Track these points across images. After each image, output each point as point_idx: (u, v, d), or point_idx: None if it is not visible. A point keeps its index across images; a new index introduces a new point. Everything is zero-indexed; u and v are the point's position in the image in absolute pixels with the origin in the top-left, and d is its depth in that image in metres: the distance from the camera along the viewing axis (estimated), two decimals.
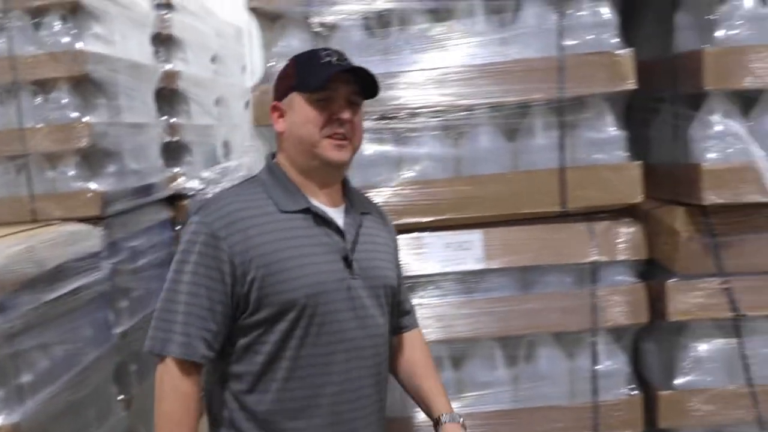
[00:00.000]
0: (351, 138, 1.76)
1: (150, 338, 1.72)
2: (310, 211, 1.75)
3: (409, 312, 2.05)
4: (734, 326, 2.54)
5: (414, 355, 1.99)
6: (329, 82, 1.72)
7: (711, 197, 2.42)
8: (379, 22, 2.51)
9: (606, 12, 2.49)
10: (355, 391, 1.76)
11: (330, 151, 1.74)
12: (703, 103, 2.48)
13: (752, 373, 2.53)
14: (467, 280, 2.46)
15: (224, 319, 1.70)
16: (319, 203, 1.78)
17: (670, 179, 2.64)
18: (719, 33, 2.43)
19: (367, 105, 1.93)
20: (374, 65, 1.93)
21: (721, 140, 2.44)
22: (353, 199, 1.87)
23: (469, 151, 2.47)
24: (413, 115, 2.44)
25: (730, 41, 2.41)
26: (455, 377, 2.49)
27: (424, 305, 2.41)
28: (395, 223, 2.14)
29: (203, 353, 1.69)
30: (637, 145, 2.62)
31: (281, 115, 1.79)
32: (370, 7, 2.46)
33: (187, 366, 1.69)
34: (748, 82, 2.40)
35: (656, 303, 2.53)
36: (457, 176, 2.46)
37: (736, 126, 2.43)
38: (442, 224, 2.45)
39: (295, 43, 2.47)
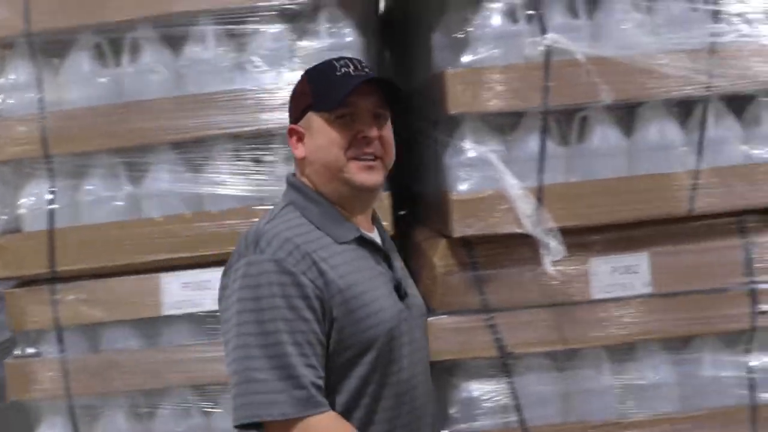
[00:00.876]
0: (382, 156, 1.58)
1: (245, 406, 1.43)
2: (362, 240, 1.59)
3: None
4: (503, 365, 2.37)
5: None
6: (349, 97, 1.53)
7: (461, 228, 2.26)
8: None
9: (349, 35, 2.34)
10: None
11: (359, 174, 1.55)
12: (457, 129, 2.32)
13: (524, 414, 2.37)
14: None
15: (321, 349, 1.50)
16: (363, 230, 1.62)
17: (434, 209, 2.48)
18: (466, 53, 2.27)
19: None
20: None
21: (473, 168, 2.29)
22: (378, 223, 1.72)
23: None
24: None
25: (476, 62, 2.26)
26: None
27: None
28: None
29: (320, 401, 1.46)
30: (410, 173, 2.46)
31: (300, 139, 1.60)
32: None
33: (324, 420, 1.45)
34: (493, 105, 2.23)
35: None
36: None
37: (488, 152, 2.26)
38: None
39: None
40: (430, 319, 2.32)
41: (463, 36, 2.30)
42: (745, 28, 2.35)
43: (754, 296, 2.40)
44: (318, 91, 1.56)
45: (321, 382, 1.46)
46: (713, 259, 2.41)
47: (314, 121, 1.56)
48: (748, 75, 2.34)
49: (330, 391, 1.50)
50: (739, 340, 2.44)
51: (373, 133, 1.55)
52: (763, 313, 2.41)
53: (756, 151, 2.39)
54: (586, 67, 2.23)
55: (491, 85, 2.23)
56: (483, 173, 2.28)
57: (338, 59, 1.60)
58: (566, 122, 2.32)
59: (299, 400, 1.41)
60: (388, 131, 1.60)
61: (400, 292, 1.60)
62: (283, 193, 1.64)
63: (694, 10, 2.34)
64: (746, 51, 2.34)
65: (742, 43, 2.34)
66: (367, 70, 1.58)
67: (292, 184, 1.62)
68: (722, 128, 2.38)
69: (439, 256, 2.36)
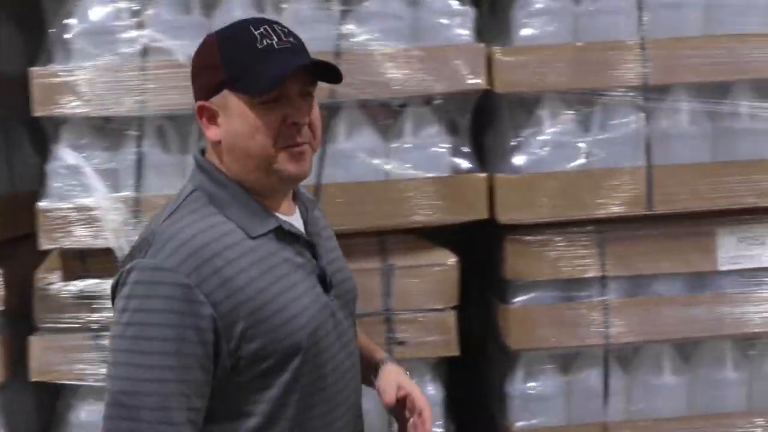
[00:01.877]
0: (311, 141, 1.39)
1: None
2: (281, 231, 1.39)
3: None
4: None
5: None
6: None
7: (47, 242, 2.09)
8: None
9: None
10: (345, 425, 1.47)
11: (289, 164, 1.35)
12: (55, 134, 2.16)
13: None
14: None
15: (207, 390, 1.31)
16: (281, 215, 1.41)
17: None
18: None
19: None
20: None
21: (67, 176, 2.12)
22: (302, 197, 1.51)
23: None
24: None
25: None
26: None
27: None
28: None
29: None
30: None
31: (212, 119, 1.37)
32: None
33: None
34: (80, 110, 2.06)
35: None
36: None
37: (79, 158, 2.09)
38: None
39: None
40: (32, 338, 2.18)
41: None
42: (376, 32, 2.16)
43: (390, 324, 2.21)
44: (236, 67, 1.32)
45: (192, 415, 1.28)
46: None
47: (232, 101, 1.34)
48: (379, 82, 2.15)
49: (245, 401, 1.33)
50: None
51: (305, 119, 1.36)
52: (401, 343, 2.22)
53: (389, 167, 2.20)
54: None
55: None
56: (78, 182, 2.12)
57: (255, 23, 1.36)
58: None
59: None
60: (316, 112, 1.40)
61: (326, 284, 1.42)
62: (189, 175, 1.43)
63: (323, 9, 2.16)
64: (377, 56, 2.14)
65: (372, 47, 2.15)
66: (291, 39, 1.36)
67: (201, 166, 1.40)
68: (351, 140, 2.20)
69: (45, 269, 2.19)
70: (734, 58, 2.22)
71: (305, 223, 1.45)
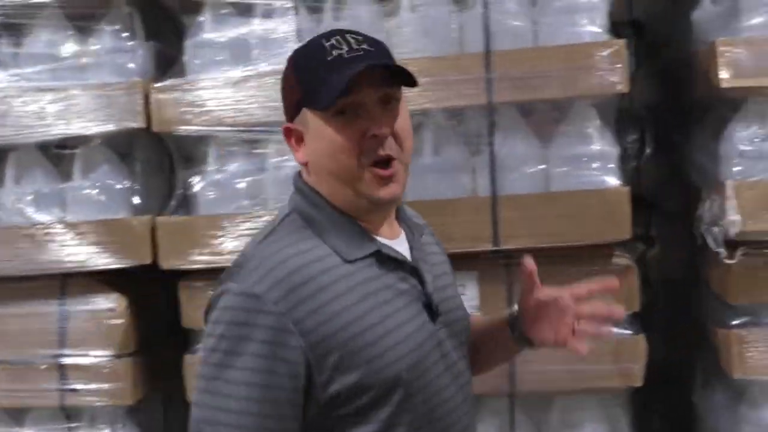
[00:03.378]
0: (398, 156, 1.28)
1: None
2: (380, 253, 1.30)
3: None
4: None
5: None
6: (348, 89, 1.23)
7: None
8: None
9: None
10: None
11: (376, 188, 1.27)
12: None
13: None
14: None
15: (296, 425, 1.23)
16: (382, 238, 1.33)
17: None
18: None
19: None
20: None
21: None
22: (409, 222, 1.42)
23: None
24: None
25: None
26: None
27: None
28: None
29: None
30: None
31: (299, 140, 1.31)
32: None
33: None
34: None
35: None
36: None
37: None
38: None
39: None
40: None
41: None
42: None
43: (63, 370, 2.16)
44: (307, 83, 1.27)
45: None
46: (30, 326, 2.18)
47: (310, 119, 1.28)
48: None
49: None
50: None
51: (385, 129, 1.25)
52: (73, 390, 2.17)
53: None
54: None
55: None
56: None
57: (329, 35, 1.29)
58: None
59: None
60: (402, 119, 1.29)
61: (432, 311, 1.33)
62: (289, 198, 1.37)
63: None
64: None
65: None
66: (365, 46, 1.26)
67: (297, 188, 1.35)
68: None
69: None
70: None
71: (411, 248, 1.37)
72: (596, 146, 2.03)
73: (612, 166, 2.02)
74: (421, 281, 1.33)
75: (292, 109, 1.31)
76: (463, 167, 2.06)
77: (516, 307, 1.44)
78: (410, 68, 1.26)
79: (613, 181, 2.00)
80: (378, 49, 1.27)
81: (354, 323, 1.22)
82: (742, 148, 1.97)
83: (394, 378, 1.24)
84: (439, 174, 2.05)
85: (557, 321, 1.36)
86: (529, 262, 1.35)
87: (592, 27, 2.02)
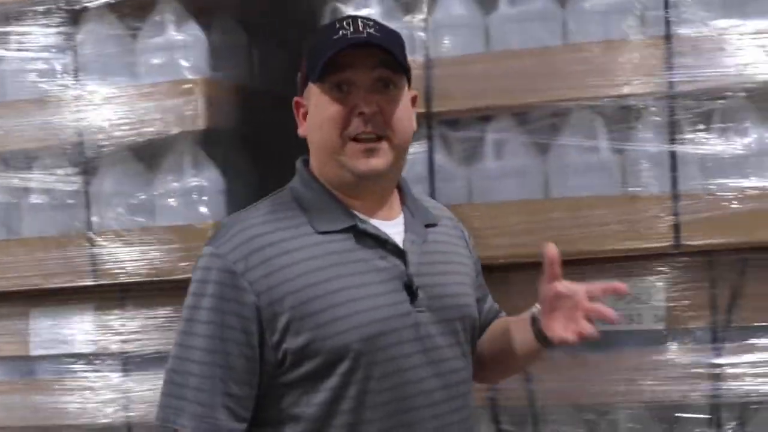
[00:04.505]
0: (389, 136, 1.32)
1: (160, 407, 1.32)
2: (356, 229, 1.33)
3: (498, 311, 1.63)
4: None
5: (492, 330, 1.57)
6: (342, 63, 1.29)
7: None
8: None
9: None
10: None
11: (356, 159, 1.31)
12: None
13: None
14: None
15: (251, 379, 1.29)
16: (368, 218, 1.36)
17: None
18: None
19: None
20: None
21: None
22: (414, 208, 1.44)
23: None
24: None
25: None
26: None
27: None
28: None
29: (226, 425, 1.28)
30: None
31: (305, 114, 1.38)
32: None
33: None
34: None
35: None
36: None
37: None
38: None
39: None
40: None
41: None
42: None
43: None
44: (310, 57, 1.34)
45: (227, 400, 1.28)
46: None
47: (312, 93, 1.34)
48: None
49: (295, 403, 1.30)
50: None
51: (369, 108, 1.29)
52: None
53: None
54: None
55: None
56: None
57: (344, 18, 1.35)
58: None
59: (193, 416, 1.28)
60: (395, 103, 1.33)
61: (412, 291, 1.33)
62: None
63: None
64: None
65: None
66: (371, 30, 1.30)
67: (297, 169, 1.42)
68: None
69: None
70: None
71: (405, 230, 1.38)
72: None
73: None
74: (405, 262, 1.33)
75: (301, 84, 1.38)
76: None
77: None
78: None
79: None
80: (384, 35, 1.31)
81: (309, 288, 1.27)
82: None
83: (342, 347, 1.26)
84: None
85: (569, 316, 1.34)
86: (552, 249, 1.33)
87: None
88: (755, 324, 1.89)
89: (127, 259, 2.05)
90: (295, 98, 1.39)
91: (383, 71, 1.31)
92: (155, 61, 2.05)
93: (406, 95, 1.36)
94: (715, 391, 1.92)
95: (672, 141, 1.87)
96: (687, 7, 1.87)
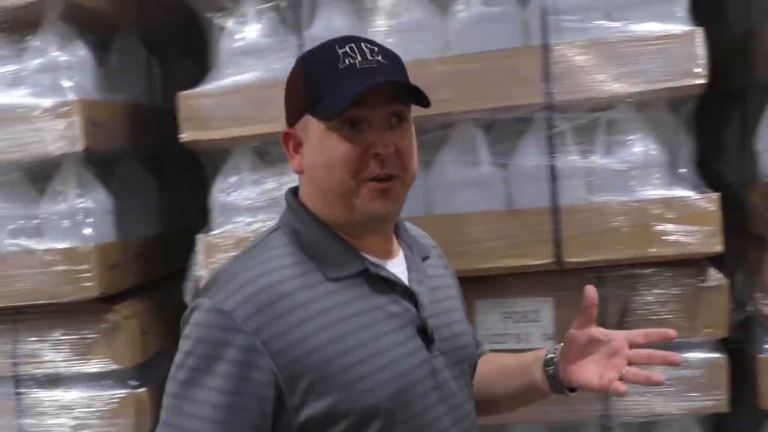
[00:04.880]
0: (401, 175, 1.20)
1: None
2: (368, 273, 1.22)
3: (479, 342, 1.52)
4: None
5: (484, 367, 1.46)
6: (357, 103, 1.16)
7: None
8: None
9: None
10: None
11: (371, 203, 1.19)
12: None
13: None
14: None
15: None
16: (374, 258, 1.24)
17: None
18: None
19: None
20: None
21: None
22: (410, 243, 1.33)
23: None
24: None
25: None
26: None
27: None
28: None
29: None
30: None
31: (297, 148, 1.24)
32: None
33: None
34: None
35: None
36: None
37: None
38: None
39: None
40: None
41: None
42: None
43: None
44: (315, 89, 1.19)
45: None
46: None
47: (312, 127, 1.20)
48: None
49: None
50: None
51: (389, 148, 1.17)
52: None
53: None
54: None
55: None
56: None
57: (343, 41, 1.20)
58: None
59: None
60: (407, 140, 1.22)
61: (427, 337, 1.23)
62: (281, 214, 1.31)
63: None
64: None
65: None
66: (379, 58, 1.19)
67: (289, 204, 1.28)
68: None
69: None
70: None
71: (408, 269, 1.28)
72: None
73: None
74: (416, 304, 1.23)
75: (294, 113, 1.23)
76: None
77: (554, 347, 1.33)
78: None
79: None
80: (392, 62, 1.20)
81: (328, 345, 1.13)
82: None
83: (373, 407, 1.14)
84: None
85: (605, 363, 1.26)
86: (592, 292, 1.24)
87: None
88: None
89: (13, 282, 2.03)
90: (285, 129, 1.24)
91: (398, 106, 1.18)
92: (39, 81, 2.03)
93: (412, 124, 1.23)
94: (606, 411, 1.87)
95: (552, 155, 1.81)
96: (566, 16, 1.81)
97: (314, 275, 1.18)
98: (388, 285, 1.22)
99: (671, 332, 1.25)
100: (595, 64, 1.78)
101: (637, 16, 1.80)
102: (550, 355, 1.32)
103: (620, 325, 1.83)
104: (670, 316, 1.82)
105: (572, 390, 1.30)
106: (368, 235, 1.24)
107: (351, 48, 1.18)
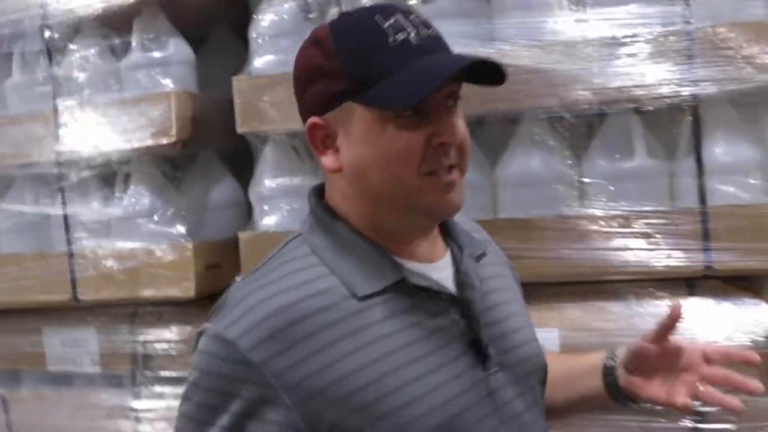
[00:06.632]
0: (460, 163, 1.04)
1: None
2: (405, 283, 1.03)
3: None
4: None
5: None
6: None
7: None
8: None
9: None
10: None
11: (442, 198, 1.02)
12: None
13: None
14: None
15: None
16: (415, 263, 1.06)
17: None
18: None
19: None
20: None
21: None
22: (460, 240, 1.14)
23: None
24: None
25: None
26: None
27: None
28: None
29: None
30: None
31: (329, 141, 1.04)
32: None
33: None
34: None
35: None
36: None
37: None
38: None
39: None
40: None
41: None
42: None
43: None
44: (365, 71, 0.99)
45: None
46: None
47: (358, 117, 1.01)
48: None
49: None
50: None
51: (456, 137, 1.02)
52: None
53: None
54: None
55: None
56: None
57: (382, 11, 1.02)
58: None
59: None
60: (462, 122, 1.05)
61: (481, 351, 1.06)
62: (303, 219, 1.12)
63: None
64: None
65: None
66: (430, 31, 1.02)
67: (313, 208, 1.10)
68: None
69: None
70: None
71: (457, 271, 1.10)
72: None
73: None
74: (466, 315, 1.06)
75: (326, 101, 1.02)
76: None
77: (612, 353, 1.22)
78: None
79: None
80: (438, 33, 1.03)
81: (355, 374, 0.96)
82: None
83: None
84: None
85: (676, 377, 1.14)
86: (678, 306, 1.13)
87: None
88: (162, 374, 2.06)
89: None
90: (313, 119, 1.03)
91: (455, 86, 1.02)
92: (138, 76, 2.07)
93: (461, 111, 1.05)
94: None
95: (64, 204, 2.08)
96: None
97: (338, 291, 1.00)
98: (430, 295, 1.04)
99: (755, 357, 1.13)
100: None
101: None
102: (609, 363, 1.20)
103: (145, 359, 2.07)
104: None
105: (633, 401, 1.20)
106: (414, 239, 1.07)
107: (397, 20, 1.00)
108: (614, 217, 1.63)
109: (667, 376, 1.15)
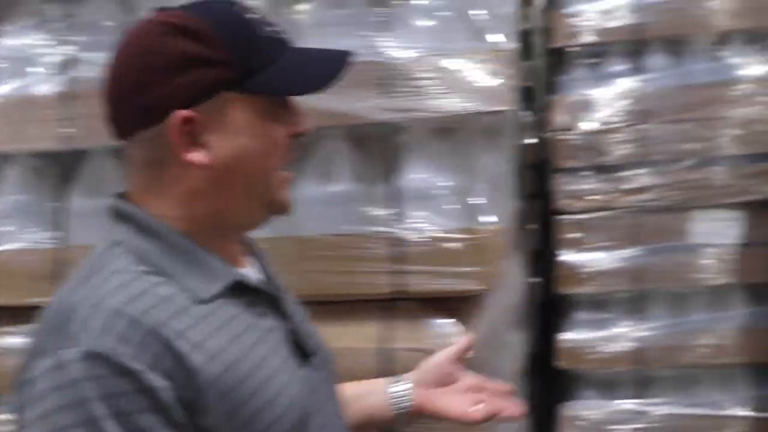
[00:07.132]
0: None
1: None
2: (236, 286, 1.01)
3: None
4: None
5: None
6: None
7: None
8: None
9: None
10: None
11: (287, 193, 1.04)
12: None
13: None
14: None
15: None
16: (235, 267, 1.05)
17: None
18: None
19: None
20: None
21: None
22: (249, 242, 1.14)
23: None
24: None
25: None
26: None
27: None
28: None
29: None
30: None
31: (194, 135, 0.97)
32: None
33: None
34: None
35: None
36: None
37: None
38: None
39: None
40: None
41: None
42: None
43: None
44: (251, 59, 0.97)
45: None
46: None
47: (238, 107, 0.97)
48: None
49: None
50: None
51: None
52: None
53: None
54: None
55: None
56: None
57: (231, 3, 1.01)
58: None
59: None
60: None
61: (304, 348, 1.08)
62: (109, 230, 1.03)
63: None
64: None
65: None
66: (275, 27, 1.04)
67: (124, 213, 1.00)
68: None
69: None
70: None
71: (263, 273, 1.11)
72: None
73: None
74: (285, 316, 1.06)
75: (197, 91, 0.95)
76: None
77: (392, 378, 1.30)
78: None
79: None
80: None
81: (227, 373, 0.93)
82: None
83: None
84: None
85: (462, 396, 1.26)
86: (473, 338, 1.36)
87: None
88: None
89: None
90: (183, 112, 0.94)
91: None
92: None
93: None
94: None
95: None
96: None
97: (180, 298, 0.95)
98: (258, 297, 1.03)
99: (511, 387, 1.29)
100: None
101: None
102: (400, 386, 1.27)
103: None
104: None
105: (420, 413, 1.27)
106: (233, 243, 1.05)
107: (253, 14, 1.00)
108: (311, 239, 1.68)
109: (458, 395, 1.25)
